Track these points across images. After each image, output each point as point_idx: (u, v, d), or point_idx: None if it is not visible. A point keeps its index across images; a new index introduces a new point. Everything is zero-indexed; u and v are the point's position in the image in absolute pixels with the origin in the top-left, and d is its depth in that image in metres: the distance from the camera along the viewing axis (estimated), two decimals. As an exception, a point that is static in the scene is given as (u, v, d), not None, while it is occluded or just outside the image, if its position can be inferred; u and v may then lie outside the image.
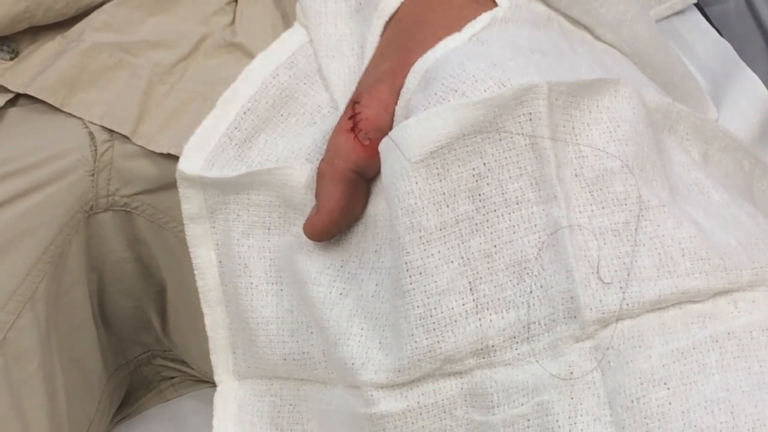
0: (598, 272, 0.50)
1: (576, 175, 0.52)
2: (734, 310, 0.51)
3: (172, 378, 0.87)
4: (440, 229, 0.52)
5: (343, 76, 0.62)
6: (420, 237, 0.52)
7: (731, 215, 0.55)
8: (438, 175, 0.52)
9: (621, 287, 0.50)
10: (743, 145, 0.61)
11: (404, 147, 0.52)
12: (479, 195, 0.52)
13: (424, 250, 0.52)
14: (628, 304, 0.50)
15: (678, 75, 0.69)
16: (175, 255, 0.73)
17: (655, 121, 0.56)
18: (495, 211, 0.52)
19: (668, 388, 0.49)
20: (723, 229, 0.53)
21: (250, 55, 0.68)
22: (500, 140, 0.52)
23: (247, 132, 0.62)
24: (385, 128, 0.55)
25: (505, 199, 0.52)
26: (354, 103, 0.57)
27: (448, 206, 0.52)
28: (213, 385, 0.63)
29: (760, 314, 0.51)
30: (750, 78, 0.79)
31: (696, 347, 0.50)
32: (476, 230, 0.52)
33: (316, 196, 0.57)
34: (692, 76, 0.71)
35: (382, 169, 0.54)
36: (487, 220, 0.52)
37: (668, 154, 0.56)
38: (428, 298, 0.52)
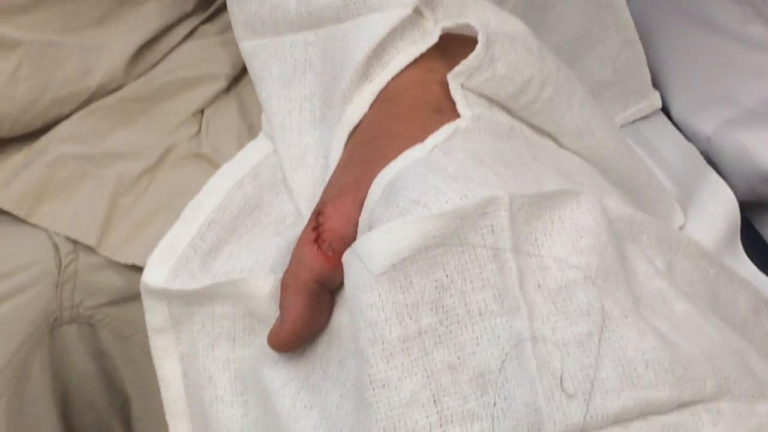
0: (561, 384, 0.50)
1: (539, 287, 0.52)
2: (698, 422, 0.50)
3: (138, 489, 0.85)
4: (403, 342, 0.52)
5: (308, 187, 0.62)
6: (383, 349, 0.51)
7: (695, 325, 0.54)
8: (401, 287, 0.52)
9: (585, 399, 0.50)
10: (708, 252, 0.61)
11: (367, 259, 0.52)
12: (442, 307, 0.52)
13: (387, 362, 0.51)
14: (591, 417, 0.49)
15: (644, 181, 0.69)
16: (140, 367, 0.72)
17: (618, 230, 0.57)
18: (458, 323, 0.52)
19: (633, 503, 0.48)
20: (687, 340, 0.53)
21: (216, 166, 0.68)
22: (462, 252, 0.52)
23: (211, 243, 0.62)
24: (349, 239, 0.55)
25: (468, 311, 0.52)
26: (317, 214, 0.57)
27: (411, 318, 0.52)
28: (180, 496, 0.62)
29: (725, 426, 0.50)
30: (717, 182, 0.80)
31: (660, 460, 0.49)
32: (439, 342, 0.52)
33: (280, 307, 0.57)
34: (658, 182, 0.72)
35: (345, 281, 0.53)
36: (451, 332, 0.52)
37: (631, 264, 0.56)
38: (392, 410, 0.51)
